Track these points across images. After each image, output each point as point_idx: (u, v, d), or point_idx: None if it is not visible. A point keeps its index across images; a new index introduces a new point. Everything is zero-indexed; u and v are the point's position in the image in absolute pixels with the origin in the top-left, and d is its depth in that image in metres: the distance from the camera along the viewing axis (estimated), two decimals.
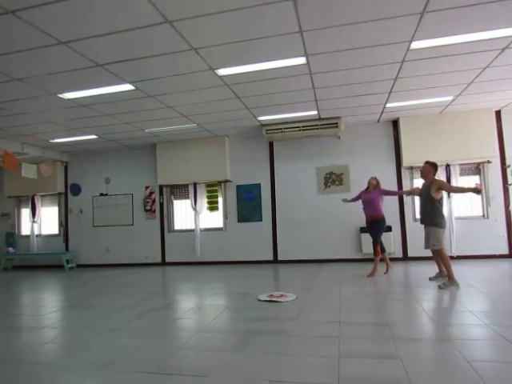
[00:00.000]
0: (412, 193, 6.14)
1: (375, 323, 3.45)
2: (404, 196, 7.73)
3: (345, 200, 6.64)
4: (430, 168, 5.26)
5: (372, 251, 6.12)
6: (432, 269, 6.06)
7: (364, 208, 6.20)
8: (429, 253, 5.27)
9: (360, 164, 8.04)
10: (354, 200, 6.53)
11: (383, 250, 6.20)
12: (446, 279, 5.02)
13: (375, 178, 6.24)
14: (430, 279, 5.41)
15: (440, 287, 4.86)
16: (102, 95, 5.59)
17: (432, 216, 5.02)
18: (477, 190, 4.78)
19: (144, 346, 3.12)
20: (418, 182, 7.90)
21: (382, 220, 6.02)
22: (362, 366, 2.51)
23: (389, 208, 7.75)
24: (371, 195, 6.11)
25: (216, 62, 4.67)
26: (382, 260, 6.12)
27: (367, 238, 7.73)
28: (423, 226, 5.23)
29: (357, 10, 3.61)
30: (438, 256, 5.11)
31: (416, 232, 7.77)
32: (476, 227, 7.54)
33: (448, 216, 7.56)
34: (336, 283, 5.56)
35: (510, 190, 7.45)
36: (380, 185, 6.21)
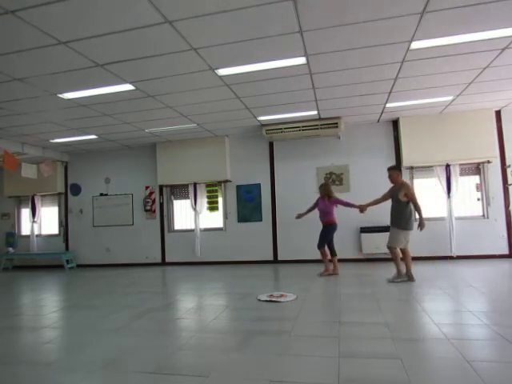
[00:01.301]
0: (360, 209, 6.13)
1: (375, 323, 3.45)
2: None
3: (298, 216, 6.64)
4: (396, 173, 5.60)
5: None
6: (432, 269, 6.07)
7: (320, 213, 6.45)
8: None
9: (360, 164, 8.04)
10: (310, 210, 6.61)
11: (334, 254, 6.43)
12: (403, 278, 5.43)
13: (327, 185, 6.49)
14: (389, 281, 5.50)
15: (390, 281, 5.40)
16: (102, 95, 5.59)
17: (396, 218, 5.40)
18: (421, 225, 5.26)
19: (144, 346, 3.12)
20: (418, 182, 7.94)
21: (331, 225, 6.31)
22: (362, 366, 2.51)
23: (388, 208, 7.76)
24: (325, 204, 6.34)
25: (216, 62, 4.67)
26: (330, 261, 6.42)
27: (367, 238, 7.77)
28: (391, 226, 5.57)
29: (357, 10, 3.61)
30: (391, 253, 5.49)
31: (416, 232, 7.77)
32: (476, 227, 7.54)
33: (448, 216, 7.58)
34: (336, 283, 5.56)
35: (510, 190, 7.45)
36: (331, 192, 6.37)
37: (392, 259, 5.62)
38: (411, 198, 5.37)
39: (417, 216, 5.37)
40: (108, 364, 2.74)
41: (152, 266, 8.99)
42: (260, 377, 2.39)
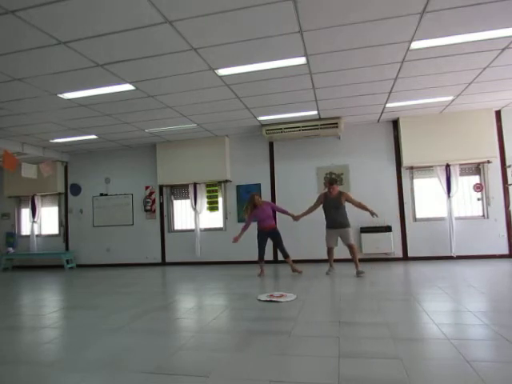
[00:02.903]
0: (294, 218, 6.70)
1: (375, 323, 3.45)
2: (404, 196, 7.80)
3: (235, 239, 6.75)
4: (336, 186, 6.39)
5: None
6: (432, 269, 6.07)
7: (264, 220, 6.62)
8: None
9: (360, 164, 8.04)
10: (247, 227, 6.73)
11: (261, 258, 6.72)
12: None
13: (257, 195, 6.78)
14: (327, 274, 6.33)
15: (359, 274, 5.99)
16: (102, 95, 5.59)
17: (346, 219, 6.21)
18: (372, 213, 6.11)
19: (144, 345, 3.12)
20: (418, 182, 7.94)
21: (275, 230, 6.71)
22: (362, 366, 2.50)
23: (388, 208, 7.79)
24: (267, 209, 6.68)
25: (216, 62, 4.67)
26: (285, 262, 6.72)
27: (367, 238, 7.77)
28: (334, 228, 6.23)
29: (357, 10, 3.61)
30: (353, 249, 6.16)
31: (416, 232, 7.80)
32: (476, 227, 7.54)
33: (448, 216, 7.59)
34: (336, 283, 5.56)
35: (510, 190, 7.45)
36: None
37: (352, 257, 6.22)
38: (352, 201, 6.26)
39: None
40: (108, 364, 2.74)
41: (152, 266, 8.98)
42: (260, 377, 2.39)
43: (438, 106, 7.10)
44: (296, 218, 6.62)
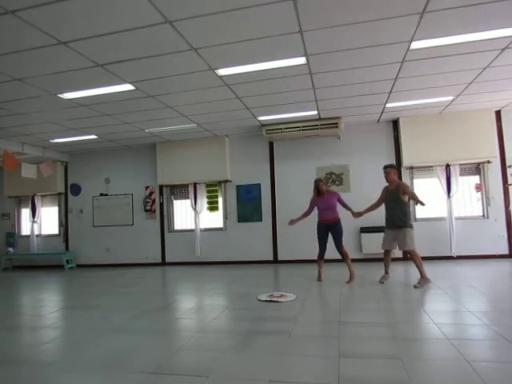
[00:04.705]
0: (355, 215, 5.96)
1: (375, 323, 3.45)
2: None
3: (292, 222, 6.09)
4: (394, 171, 5.44)
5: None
6: (433, 269, 6.06)
7: (324, 210, 5.91)
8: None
9: (360, 164, 8.04)
10: (306, 214, 6.10)
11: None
12: (429, 281, 5.13)
13: (322, 180, 5.99)
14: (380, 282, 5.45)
15: (415, 286, 5.02)
16: (102, 95, 5.59)
17: (404, 218, 5.20)
18: (421, 203, 5.11)
19: (144, 345, 3.12)
20: (418, 182, 7.94)
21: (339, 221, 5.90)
22: (362, 366, 2.50)
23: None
24: (331, 200, 5.87)
25: (216, 62, 4.67)
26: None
27: (367, 238, 7.77)
28: (389, 228, 5.36)
29: (357, 10, 3.61)
30: (412, 256, 5.21)
31: (416, 232, 7.74)
32: (476, 227, 7.54)
33: (448, 216, 7.58)
34: (336, 283, 5.56)
35: (510, 190, 7.45)
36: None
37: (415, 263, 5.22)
38: (411, 195, 5.27)
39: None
40: (108, 364, 2.74)
41: (152, 266, 8.98)
42: (260, 377, 2.39)
43: (438, 106, 7.10)
44: (356, 215, 5.91)
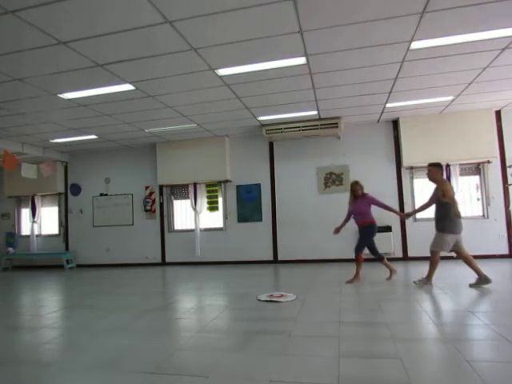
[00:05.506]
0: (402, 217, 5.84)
1: (375, 323, 3.45)
2: (404, 196, 7.80)
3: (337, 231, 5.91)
4: (436, 170, 5.06)
5: (371, 252, 5.90)
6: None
7: (355, 215, 5.76)
8: (429, 253, 5.24)
9: (360, 164, 8.04)
10: (346, 219, 5.90)
11: (379, 257, 5.85)
12: (429, 283, 5.04)
13: (358, 183, 5.74)
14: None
15: (415, 282, 5.11)
16: (102, 95, 5.59)
17: (440, 221, 4.95)
18: (457, 215, 4.76)
19: (144, 345, 3.12)
20: (418, 182, 7.93)
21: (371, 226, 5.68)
22: (362, 366, 2.50)
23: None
24: (362, 205, 5.66)
25: (216, 62, 4.67)
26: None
27: None
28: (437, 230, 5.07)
29: (357, 10, 3.61)
30: (431, 257, 5.06)
31: (416, 232, 7.79)
32: (476, 227, 7.53)
33: None
34: (336, 283, 5.55)
35: (510, 190, 7.45)
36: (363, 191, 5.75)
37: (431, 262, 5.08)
38: (447, 195, 4.79)
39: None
40: (108, 364, 2.74)
41: (152, 266, 8.98)
42: (260, 377, 2.39)
43: (438, 106, 7.10)
44: (402, 216, 5.83)
